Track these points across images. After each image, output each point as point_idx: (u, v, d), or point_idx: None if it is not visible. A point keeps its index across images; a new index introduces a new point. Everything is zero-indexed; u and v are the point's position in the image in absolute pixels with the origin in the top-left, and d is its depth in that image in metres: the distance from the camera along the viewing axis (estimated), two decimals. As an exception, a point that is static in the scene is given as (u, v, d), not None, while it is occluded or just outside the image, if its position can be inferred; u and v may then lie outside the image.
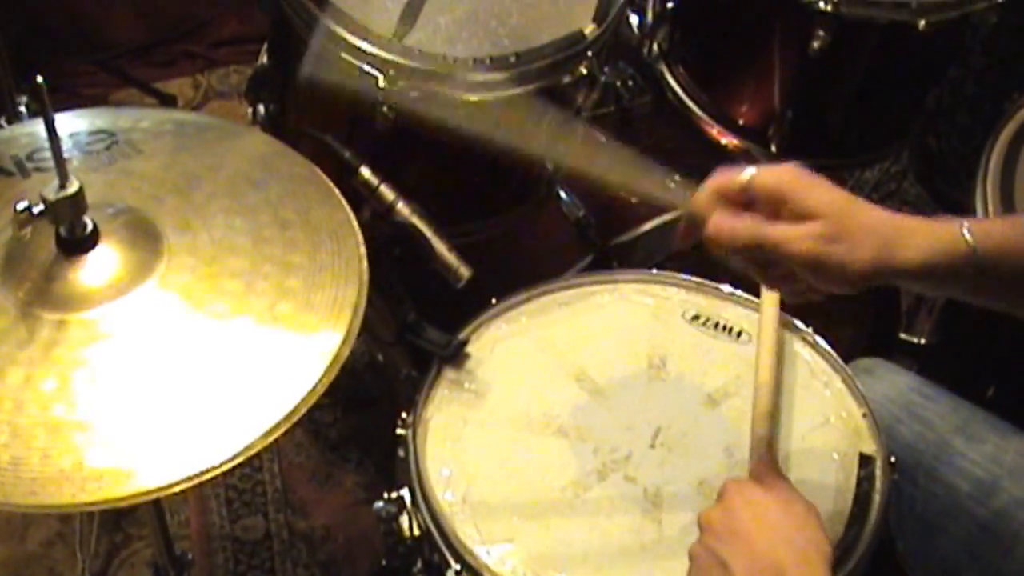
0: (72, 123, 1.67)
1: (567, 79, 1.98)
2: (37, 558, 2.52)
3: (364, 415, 2.76)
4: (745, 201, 1.40)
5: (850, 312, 2.45)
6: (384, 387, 2.59)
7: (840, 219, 1.35)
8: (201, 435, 1.35)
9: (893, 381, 1.85)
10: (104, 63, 3.47)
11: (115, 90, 3.47)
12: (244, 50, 3.57)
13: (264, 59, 2.23)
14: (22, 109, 2.93)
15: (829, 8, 2.12)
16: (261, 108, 2.24)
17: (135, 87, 3.43)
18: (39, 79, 1.34)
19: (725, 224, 1.38)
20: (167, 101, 3.43)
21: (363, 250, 1.55)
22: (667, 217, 2.26)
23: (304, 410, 1.37)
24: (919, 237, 1.37)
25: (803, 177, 1.39)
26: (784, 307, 1.80)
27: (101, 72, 3.46)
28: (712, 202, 1.41)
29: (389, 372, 2.41)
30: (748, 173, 1.40)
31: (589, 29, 1.99)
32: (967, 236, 1.37)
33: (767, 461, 1.51)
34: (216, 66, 3.64)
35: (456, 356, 1.74)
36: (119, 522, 2.56)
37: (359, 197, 1.83)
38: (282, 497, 2.66)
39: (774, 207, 1.38)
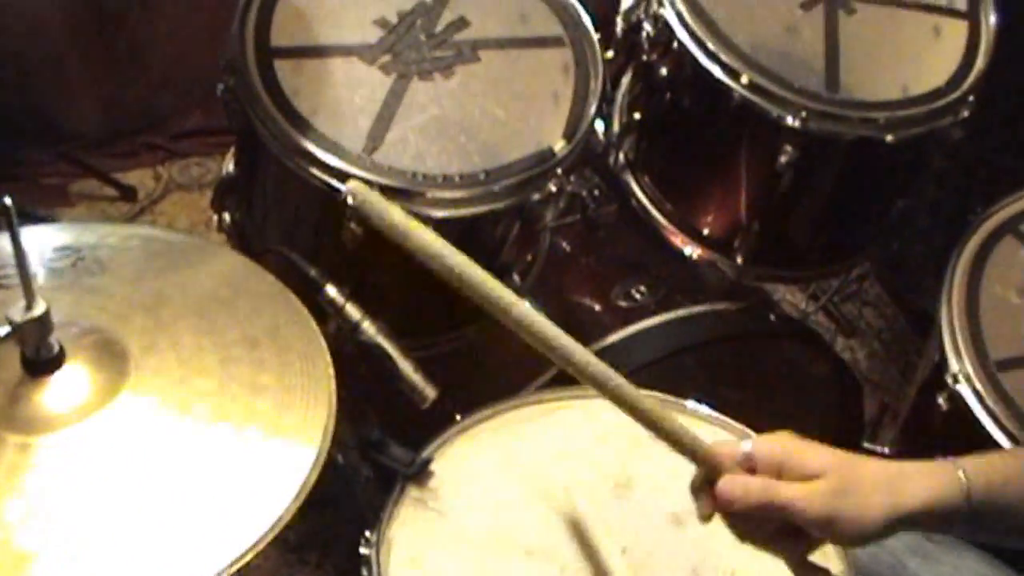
0: (37, 238, 1.65)
1: (536, 196, 1.98)
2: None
3: (323, 516, 2.72)
4: (747, 469, 1.41)
5: (813, 422, 2.45)
6: (344, 488, 2.56)
7: (844, 475, 1.37)
8: (173, 561, 1.34)
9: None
10: (64, 153, 3.45)
11: (74, 180, 3.44)
12: (207, 142, 3.54)
13: (230, 167, 2.23)
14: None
15: (797, 124, 2.11)
16: (227, 216, 2.23)
17: (95, 177, 3.41)
18: (7, 201, 1.32)
19: (739, 481, 1.39)
20: (127, 192, 3.40)
21: (331, 371, 1.54)
22: (632, 329, 2.26)
23: (268, 541, 1.36)
24: (917, 481, 1.39)
25: (799, 441, 1.42)
26: (748, 423, 1.83)
27: (61, 162, 3.44)
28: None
29: (349, 474, 2.39)
30: (747, 444, 1.42)
31: (559, 146, 2.01)
32: (962, 477, 1.39)
33: None
34: (177, 158, 3.61)
35: (420, 474, 1.73)
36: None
37: (325, 311, 1.82)
38: (240, 600, 2.62)
39: (775, 473, 1.39)
